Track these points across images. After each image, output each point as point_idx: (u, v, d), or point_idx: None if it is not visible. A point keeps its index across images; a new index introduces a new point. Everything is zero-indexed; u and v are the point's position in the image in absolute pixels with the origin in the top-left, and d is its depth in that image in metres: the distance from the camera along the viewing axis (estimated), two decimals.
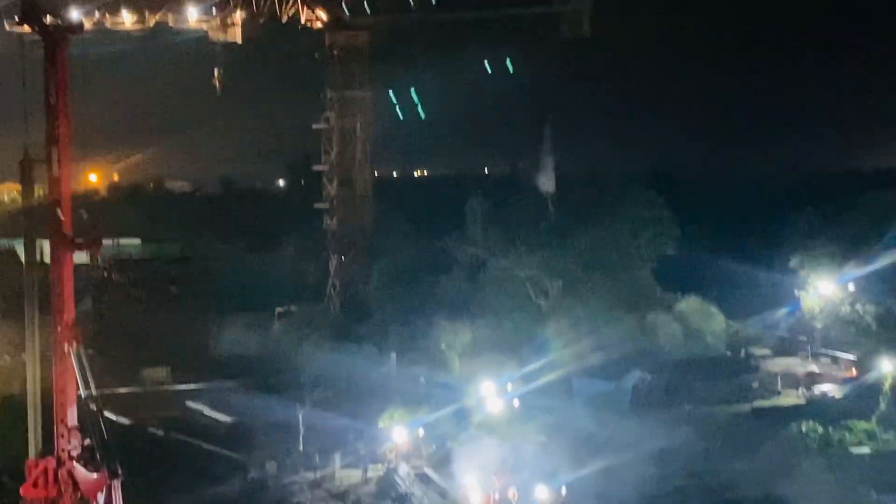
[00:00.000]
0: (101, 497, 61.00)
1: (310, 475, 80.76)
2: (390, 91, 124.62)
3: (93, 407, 61.37)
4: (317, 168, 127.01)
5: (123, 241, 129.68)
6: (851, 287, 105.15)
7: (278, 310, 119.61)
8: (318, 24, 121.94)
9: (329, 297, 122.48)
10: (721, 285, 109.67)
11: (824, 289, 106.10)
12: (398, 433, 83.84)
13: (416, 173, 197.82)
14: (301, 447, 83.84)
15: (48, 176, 61.84)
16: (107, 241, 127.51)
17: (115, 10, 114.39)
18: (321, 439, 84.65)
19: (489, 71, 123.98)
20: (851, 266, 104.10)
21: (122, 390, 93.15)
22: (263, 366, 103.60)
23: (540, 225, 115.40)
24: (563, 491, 72.53)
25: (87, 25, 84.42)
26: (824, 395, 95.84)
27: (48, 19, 55.17)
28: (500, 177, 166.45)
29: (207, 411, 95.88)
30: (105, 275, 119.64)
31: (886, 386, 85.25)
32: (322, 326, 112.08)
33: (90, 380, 60.82)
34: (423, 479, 79.53)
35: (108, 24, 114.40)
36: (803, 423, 79.62)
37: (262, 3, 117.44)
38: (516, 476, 73.80)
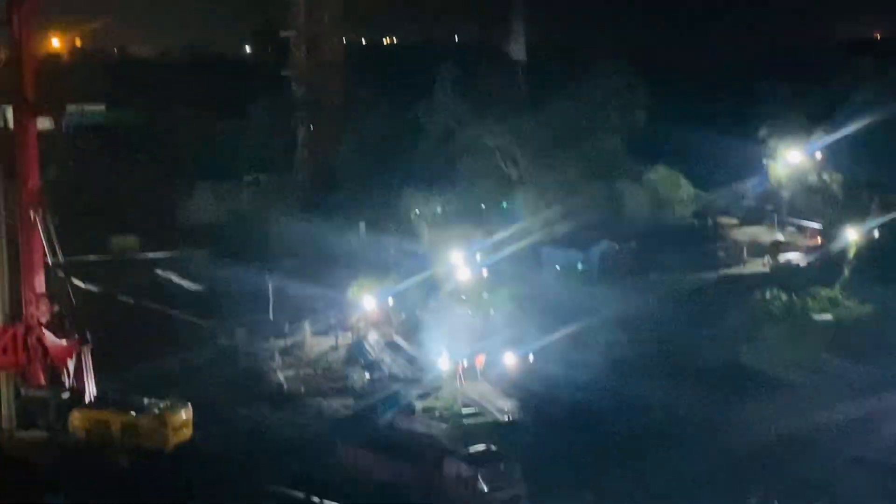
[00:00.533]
0: (70, 363, 61.33)
1: (279, 342, 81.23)
2: None
3: (60, 274, 61.24)
4: (284, 34, 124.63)
5: (88, 107, 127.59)
6: (819, 156, 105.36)
7: (246, 178, 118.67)
8: None
9: (298, 166, 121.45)
10: (690, 155, 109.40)
11: (792, 158, 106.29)
12: (368, 302, 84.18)
13: (385, 41, 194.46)
14: (271, 315, 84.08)
15: (9, 39, 60.37)
16: (71, 107, 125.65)
17: None
18: (291, 308, 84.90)
19: None
20: (819, 135, 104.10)
21: (91, 258, 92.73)
22: (232, 235, 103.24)
23: (510, 94, 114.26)
24: (531, 357, 73.44)
25: None
26: (789, 263, 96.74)
27: None
28: (470, 45, 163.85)
29: (176, 279, 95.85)
30: (70, 141, 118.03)
31: (850, 254, 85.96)
32: (291, 196, 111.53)
33: (57, 247, 60.47)
34: (393, 346, 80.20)
35: None
36: (767, 290, 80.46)
37: None
38: (485, 343, 74.57)
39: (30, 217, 60.01)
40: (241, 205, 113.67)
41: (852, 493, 54.01)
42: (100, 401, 61.57)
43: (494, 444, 58.05)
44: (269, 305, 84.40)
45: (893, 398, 65.05)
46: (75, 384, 61.38)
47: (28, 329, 60.69)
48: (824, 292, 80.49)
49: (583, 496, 53.70)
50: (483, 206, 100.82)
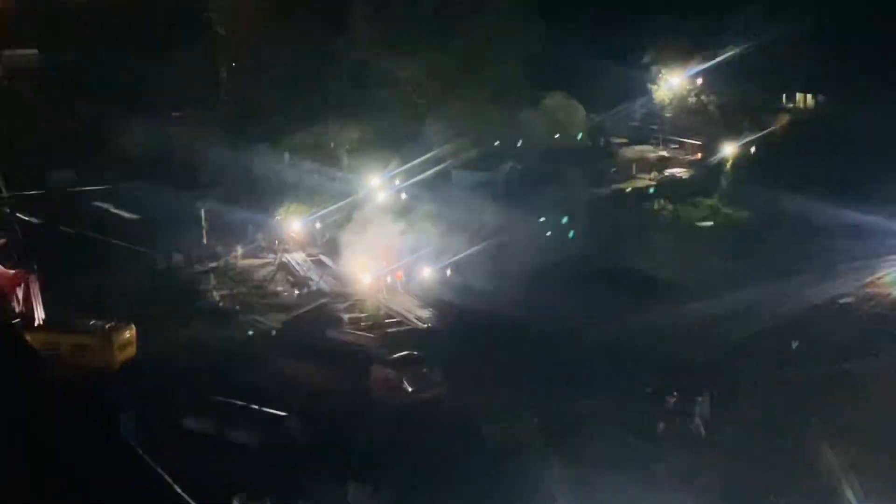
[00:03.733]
0: (19, 291, 59.96)
1: (213, 264, 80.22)
2: None
3: (6, 209, 59.60)
4: None
5: (20, 51, 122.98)
6: (699, 80, 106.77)
7: (174, 114, 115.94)
8: None
9: (221, 101, 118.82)
10: (583, 81, 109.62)
11: (674, 82, 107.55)
12: (295, 224, 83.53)
13: None
14: (204, 239, 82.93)
15: None
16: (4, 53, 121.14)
17: None
18: (222, 232, 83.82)
19: None
20: (698, 60, 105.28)
21: (32, 193, 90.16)
22: (164, 166, 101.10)
23: (421, 26, 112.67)
24: (448, 271, 73.69)
25: None
26: (673, 176, 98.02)
27: None
28: None
29: (114, 209, 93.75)
30: (4, 83, 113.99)
31: (727, 166, 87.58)
32: (217, 128, 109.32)
33: (2, 184, 58.69)
34: (319, 264, 79.77)
35: None
36: (655, 201, 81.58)
37: None
38: (404, 259, 74.54)
39: None
40: (171, 138, 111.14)
41: (736, 375, 55.46)
42: (48, 324, 60.38)
43: (416, 350, 58.33)
44: (202, 231, 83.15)
45: (769, 290, 67.11)
46: (24, 310, 60.09)
47: None
48: (705, 201, 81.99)
49: (497, 393, 54.25)
50: (397, 134, 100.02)
